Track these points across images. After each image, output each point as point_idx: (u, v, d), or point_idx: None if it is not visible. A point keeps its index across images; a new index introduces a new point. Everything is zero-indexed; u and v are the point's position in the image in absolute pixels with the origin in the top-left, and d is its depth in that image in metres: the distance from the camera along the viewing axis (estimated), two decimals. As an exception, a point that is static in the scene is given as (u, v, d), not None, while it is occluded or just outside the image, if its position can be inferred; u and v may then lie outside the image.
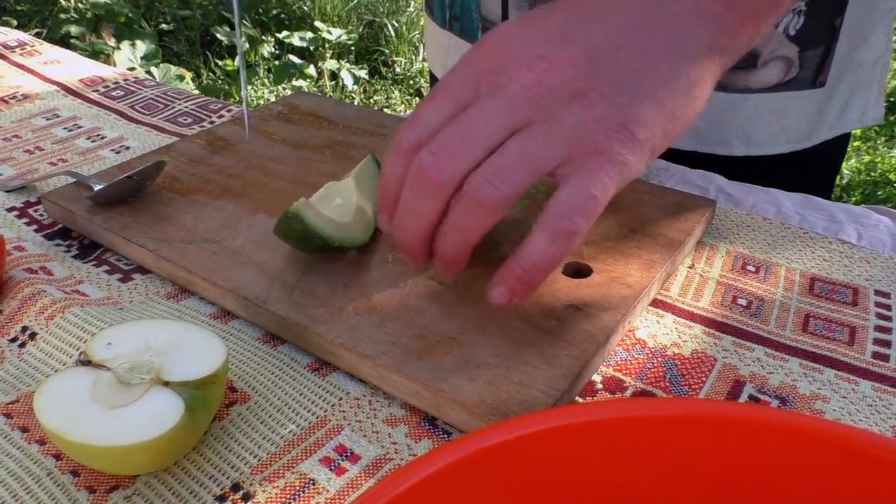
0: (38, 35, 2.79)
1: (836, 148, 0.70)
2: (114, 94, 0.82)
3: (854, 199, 2.31)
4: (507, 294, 0.37)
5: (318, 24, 3.36)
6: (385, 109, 2.95)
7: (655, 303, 0.46)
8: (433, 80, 0.87)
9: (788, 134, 0.64)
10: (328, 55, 3.25)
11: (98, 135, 0.72)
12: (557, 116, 0.35)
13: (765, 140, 0.65)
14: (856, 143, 2.59)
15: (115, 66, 2.43)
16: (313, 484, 0.35)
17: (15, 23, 3.02)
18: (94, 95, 0.81)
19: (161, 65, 2.80)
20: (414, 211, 0.37)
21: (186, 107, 0.77)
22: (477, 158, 0.35)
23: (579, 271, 0.45)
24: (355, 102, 3.01)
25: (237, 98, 2.90)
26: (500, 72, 0.36)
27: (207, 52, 3.22)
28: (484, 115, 0.36)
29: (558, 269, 0.45)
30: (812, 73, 0.61)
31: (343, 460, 0.36)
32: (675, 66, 0.37)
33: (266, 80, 3.05)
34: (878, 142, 2.61)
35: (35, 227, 0.57)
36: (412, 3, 3.53)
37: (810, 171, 0.68)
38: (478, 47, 0.38)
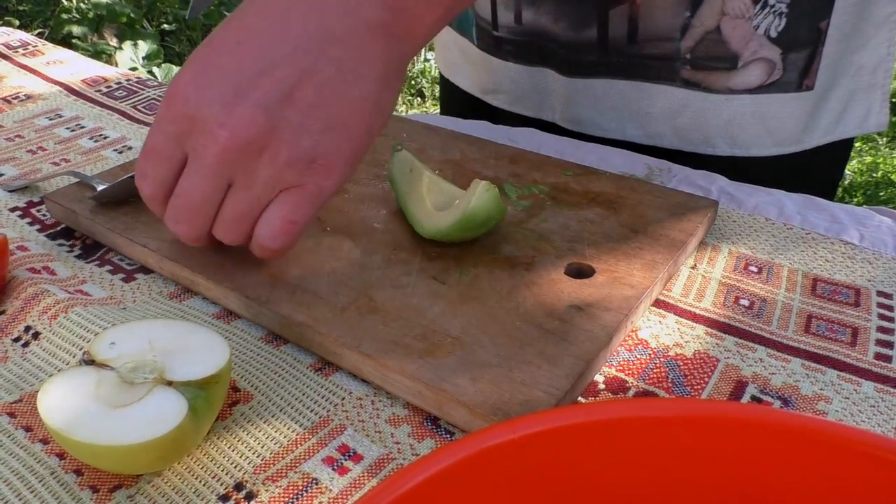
0: (40, 35, 2.80)
1: (837, 154, 0.69)
2: (116, 94, 0.82)
3: (856, 200, 2.31)
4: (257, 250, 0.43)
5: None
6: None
7: (658, 303, 0.46)
8: (441, 76, 0.88)
9: (774, 136, 0.64)
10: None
11: (101, 135, 0.72)
12: (253, 171, 0.39)
13: (749, 142, 0.64)
14: (857, 144, 2.59)
15: (116, 66, 2.44)
16: (316, 483, 0.35)
17: (17, 23, 3.02)
18: (96, 96, 0.81)
19: (163, 65, 2.80)
20: (190, 239, 0.43)
21: (189, 107, 0.77)
22: (210, 217, 0.41)
23: (582, 272, 0.46)
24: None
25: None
26: (193, 138, 0.38)
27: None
28: (196, 185, 0.40)
29: (560, 269, 0.46)
30: (797, 75, 0.61)
31: (346, 460, 0.36)
32: (354, 91, 0.38)
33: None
34: (880, 143, 2.61)
35: (38, 227, 0.57)
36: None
37: (809, 176, 0.67)
38: (167, 106, 0.39)
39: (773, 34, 0.59)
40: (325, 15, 0.38)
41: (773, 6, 0.58)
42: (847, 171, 2.40)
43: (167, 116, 0.39)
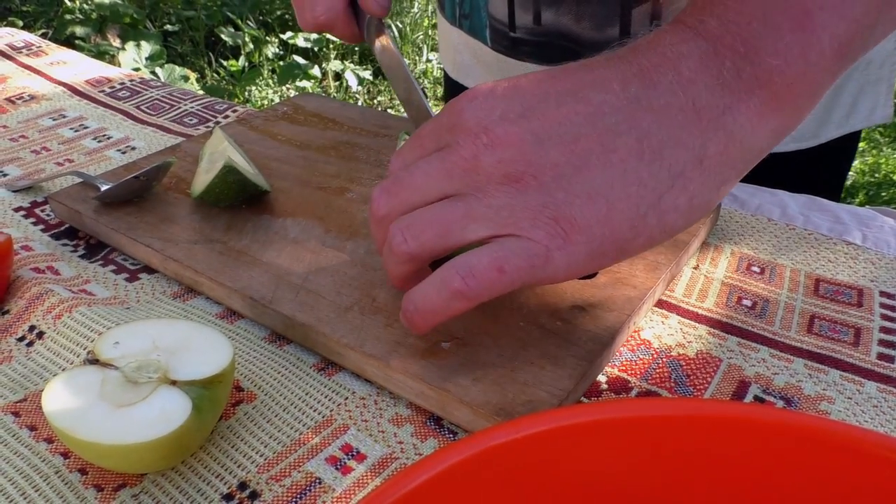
0: (43, 36, 2.80)
1: (845, 147, 0.70)
2: (120, 94, 0.82)
3: (858, 200, 2.31)
4: (404, 321, 0.37)
5: (322, 24, 3.36)
6: (389, 110, 2.95)
7: (660, 303, 0.46)
8: (446, 77, 0.88)
9: (794, 132, 0.64)
10: (332, 56, 3.25)
11: (104, 135, 0.72)
12: (487, 194, 0.33)
13: None
14: (860, 145, 2.58)
15: (119, 66, 2.44)
16: (319, 483, 0.35)
17: (20, 23, 3.03)
18: (100, 96, 0.82)
19: (166, 65, 2.81)
20: (375, 241, 0.39)
21: (192, 107, 0.78)
22: (412, 206, 0.36)
23: (584, 272, 0.46)
24: (359, 103, 3.01)
25: (241, 98, 2.90)
26: (453, 134, 0.35)
27: (211, 53, 3.23)
28: (423, 173, 0.35)
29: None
30: None
31: (349, 459, 0.36)
32: (644, 172, 0.32)
33: (270, 81, 3.06)
34: (883, 143, 2.60)
35: (42, 226, 0.57)
36: (416, 3, 3.53)
37: (819, 170, 0.68)
38: (451, 102, 0.36)
39: None
40: (655, 85, 0.32)
41: None
42: (849, 172, 2.40)
43: (447, 110, 0.36)
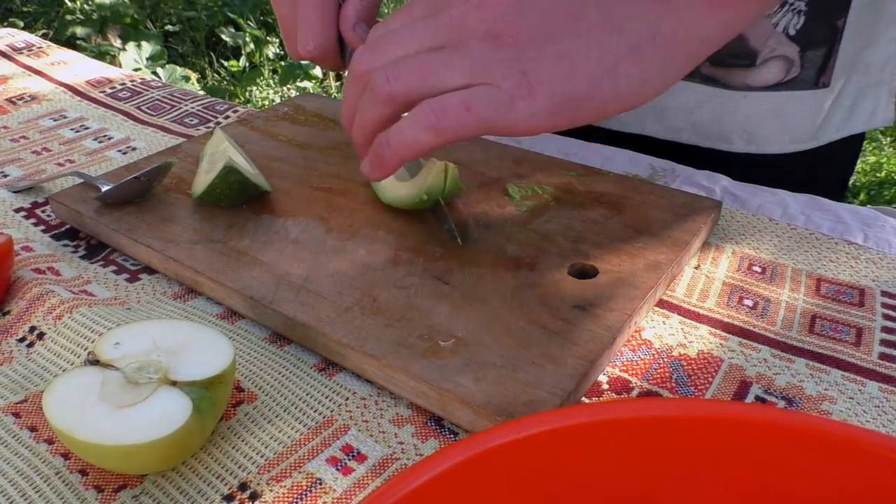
0: (44, 36, 2.80)
1: (847, 150, 0.70)
2: (120, 95, 0.82)
3: (859, 200, 2.30)
4: (366, 165, 0.41)
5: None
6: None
7: (661, 303, 0.46)
8: None
9: (791, 133, 0.64)
10: (333, 56, 3.25)
11: (105, 136, 0.72)
12: (468, 47, 0.37)
13: (766, 138, 0.65)
14: (861, 147, 2.57)
15: (120, 67, 2.44)
16: (320, 483, 0.35)
17: (21, 24, 3.03)
18: (100, 97, 0.82)
19: (167, 66, 2.81)
20: (347, 100, 0.42)
21: (193, 108, 0.78)
22: (399, 49, 0.39)
23: (585, 272, 0.46)
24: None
25: (242, 99, 2.90)
26: (446, 2, 0.38)
27: (212, 53, 3.23)
28: (409, 30, 0.39)
29: (564, 269, 0.46)
30: (814, 73, 0.61)
31: (350, 460, 0.36)
32: (605, 40, 0.36)
33: (271, 82, 3.06)
34: (884, 142, 2.60)
35: (42, 227, 0.57)
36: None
37: (819, 172, 0.68)
38: None
39: (792, 32, 0.59)
40: None
41: (792, 4, 0.58)
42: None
43: None
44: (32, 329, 0.45)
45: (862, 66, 0.63)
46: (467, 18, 0.37)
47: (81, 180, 0.58)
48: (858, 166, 2.44)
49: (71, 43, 2.89)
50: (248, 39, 3.16)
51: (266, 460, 0.36)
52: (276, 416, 0.39)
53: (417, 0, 0.40)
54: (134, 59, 2.78)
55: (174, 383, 0.35)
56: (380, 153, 0.40)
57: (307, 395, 0.40)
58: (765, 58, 0.60)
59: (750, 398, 0.39)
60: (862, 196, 2.32)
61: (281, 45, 3.29)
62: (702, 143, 0.66)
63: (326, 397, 0.40)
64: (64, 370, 0.42)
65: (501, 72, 0.36)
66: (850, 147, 0.70)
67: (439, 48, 0.38)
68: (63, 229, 0.57)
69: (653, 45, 0.36)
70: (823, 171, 0.69)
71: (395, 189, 0.52)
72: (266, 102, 2.92)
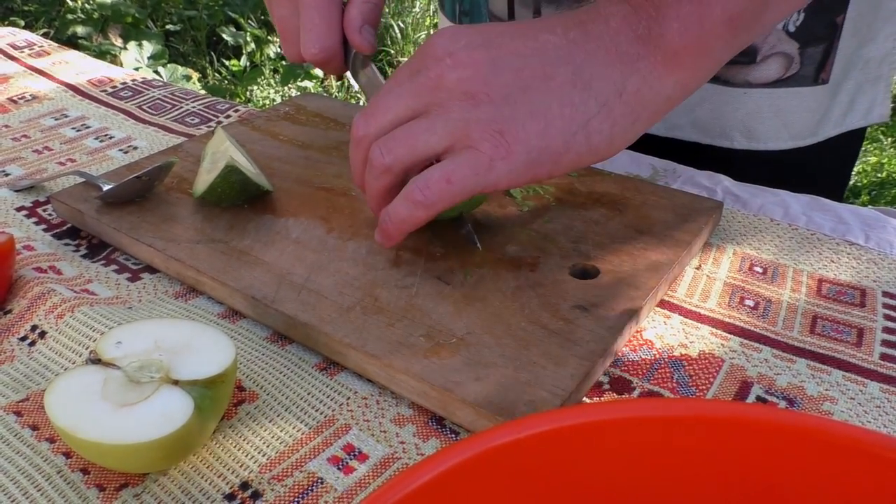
0: (45, 35, 2.80)
1: (847, 146, 0.70)
2: (122, 94, 0.82)
3: (861, 200, 2.30)
4: (379, 237, 0.44)
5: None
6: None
7: (662, 304, 0.46)
8: None
9: (791, 130, 0.65)
10: (334, 55, 3.25)
11: (106, 135, 0.72)
12: (447, 109, 0.39)
13: (766, 135, 0.65)
14: (862, 147, 2.57)
15: (121, 66, 2.44)
16: (321, 483, 0.35)
17: (22, 23, 3.03)
18: (101, 96, 0.82)
19: (168, 65, 2.81)
20: (352, 162, 0.45)
21: (194, 107, 0.78)
22: (384, 129, 0.42)
23: (586, 272, 0.46)
24: (360, 103, 3.01)
25: (243, 98, 2.90)
26: (422, 62, 0.40)
27: (213, 53, 3.23)
28: (395, 96, 0.41)
29: (565, 270, 0.46)
30: (814, 69, 0.62)
31: (351, 459, 0.36)
32: (576, 97, 0.39)
33: (272, 81, 3.06)
34: (885, 143, 2.60)
35: (44, 226, 0.57)
36: (418, 3, 3.53)
37: (820, 168, 0.68)
38: (417, 52, 0.42)
39: (792, 28, 0.59)
40: (588, 32, 0.39)
41: None
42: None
43: (419, 49, 0.41)
44: (34, 328, 0.45)
45: (861, 61, 0.63)
46: (444, 80, 0.39)
47: (83, 179, 0.58)
48: (860, 167, 2.44)
49: (72, 42, 2.89)
50: (248, 39, 3.16)
51: (267, 459, 0.36)
52: (278, 416, 0.39)
53: (405, 63, 0.42)
54: (135, 59, 2.78)
55: (176, 382, 0.35)
56: (385, 228, 0.43)
57: (308, 394, 0.40)
58: (765, 54, 0.61)
59: (751, 398, 0.39)
60: (863, 197, 2.32)
61: (280, 45, 3.29)
62: (702, 141, 0.67)
63: (328, 397, 0.40)
64: (65, 369, 0.42)
65: (479, 133, 0.39)
66: (850, 143, 0.70)
67: (423, 111, 0.40)
68: (64, 228, 0.57)
69: (620, 102, 0.39)
70: (823, 167, 0.69)
71: None
72: (267, 102, 2.92)
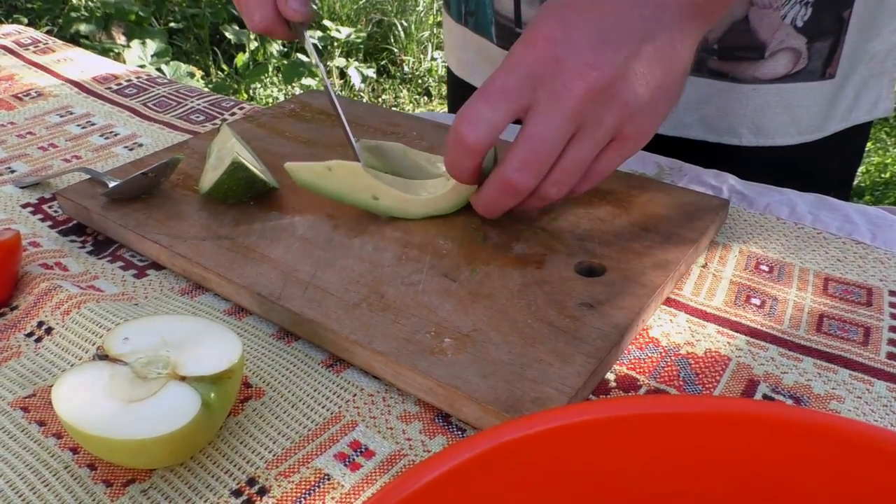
0: (49, 33, 2.80)
1: (852, 141, 0.70)
2: (126, 91, 0.82)
3: (864, 200, 2.30)
4: (495, 208, 0.47)
5: (326, 22, 3.37)
6: (393, 108, 2.95)
7: (669, 302, 0.46)
8: (450, 75, 0.88)
9: (799, 125, 0.65)
10: (337, 54, 3.26)
11: (111, 132, 0.72)
12: (602, 116, 0.41)
13: (774, 130, 0.65)
14: (867, 145, 2.57)
15: (125, 64, 2.44)
16: (328, 479, 0.35)
17: (26, 21, 3.03)
18: (106, 93, 0.82)
19: (172, 62, 2.81)
20: (499, 204, 0.47)
21: (199, 104, 0.78)
22: (550, 164, 0.43)
23: (593, 270, 0.46)
24: (363, 101, 3.01)
25: (246, 96, 2.90)
26: (556, 79, 0.41)
27: (216, 50, 3.23)
28: (552, 127, 0.41)
29: (571, 267, 0.46)
30: (821, 64, 0.62)
31: (358, 456, 0.36)
32: (675, 59, 0.43)
33: (275, 79, 3.06)
34: (889, 143, 2.59)
35: (50, 223, 0.57)
36: (421, 2, 3.53)
37: (826, 164, 0.68)
38: (528, 48, 0.42)
39: (800, 23, 0.59)
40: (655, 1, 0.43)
41: None
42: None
43: (526, 59, 0.41)
44: (40, 324, 0.45)
45: (867, 56, 0.63)
46: (593, 93, 0.41)
47: (88, 176, 0.58)
48: (863, 167, 2.44)
49: (75, 40, 2.89)
50: (252, 37, 3.16)
51: (274, 456, 0.36)
52: (284, 412, 0.39)
53: (502, 78, 0.42)
54: (138, 56, 2.78)
55: (183, 378, 0.35)
56: (528, 204, 0.47)
57: (315, 391, 0.40)
58: (773, 50, 0.61)
59: (758, 397, 0.39)
60: (867, 197, 2.31)
61: (284, 43, 3.29)
62: (709, 139, 0.67)
63: (334, 393, 0.40)
64: (72, 365, 0.42)
65: (629, 125, 0.43)
66: (855, 139, 0.70)
67: (578, 131, 0.42)
68: (70, 225, 0.57)
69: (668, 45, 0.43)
70: (829, 163, 0.69)
71: (432, 203, 0.51)
72: (270, 100, 2.92)
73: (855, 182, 2.35)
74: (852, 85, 0.64)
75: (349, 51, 3.34)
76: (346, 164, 0.51)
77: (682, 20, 0.43)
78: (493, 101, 0.41)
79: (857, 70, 0.64)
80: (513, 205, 0.46)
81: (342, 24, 3.41)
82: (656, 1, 0.43)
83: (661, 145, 0.65)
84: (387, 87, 3.22)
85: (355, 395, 0.40)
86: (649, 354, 0.42)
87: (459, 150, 0.43)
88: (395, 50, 3.38)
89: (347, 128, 0.54)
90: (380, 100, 3.13)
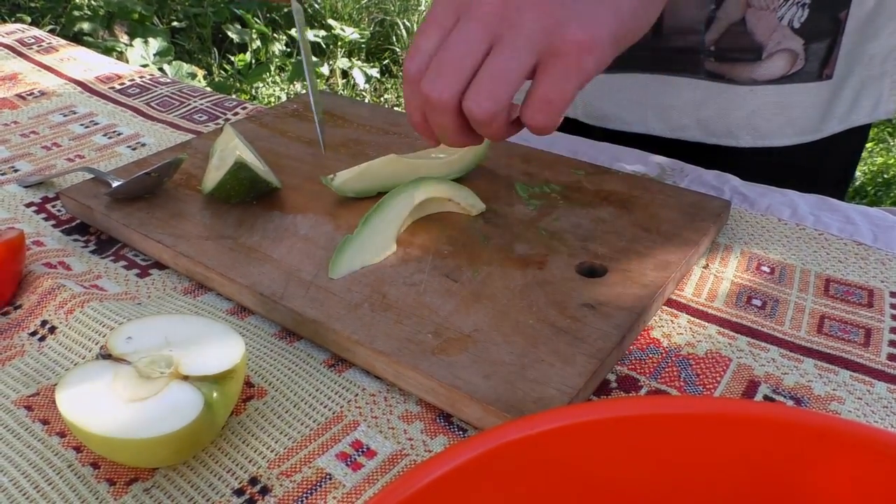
0: (51, 32, 2.81)
1: (850, 142, 0.70)
2: (129, 91, 0.82)
3: (866, 201, 2.30)
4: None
5: (330, 22, 3.37)
6: (395, 108, 2.95)
7: (670, 302, 0.46)
8: None
9: (795, 126, 0.65)
10: (339, 53, 3.26)
11: (114, 131, 0.72)
12: (520, 26, 0.39)
13: (771, 132, 0.65)
14: (868, 145, 2.57)
15: (127, 63, 2.44)
16: (330, 479, 0.35)
17: (28, 19, 3.04)
18: (109, 92, 0.82)
19: (174, 62, 2.81)
20: (438, 124, 0.43)
21: (201, 104, 0.78)
22: (466, 77, 0.40)
23: (594, 271, 0.46)
24: (366, 101, 3.01)
25: (248, 95, 2.90)
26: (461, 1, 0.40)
27: (218, 50, 3.23)
28: (463, 38, 0.40)
29: (573, 268, 0.46)
30: (818, 65, 0.62)
31: (359, 455, 0.36)
32: None
33: (278, 79, 3.06)
34: (892, 143, 2.59)
35: (53, 222, 0.57)
36: (423, 1, 3.53)
37: (824, 165, 0.68)
38: None
39: (797, 25, 0.59)
40: None
41: None
42: (857, 173, 2.39)
43: (443, 3, 0.41)
44: (44, 323, 0.45)
45: (865, 58, 0.63)
46: (502, 2, 0.39)
47: (92, 175, 0.58)
48: (865, 168, 2.43)
49: (78, 38, 2.89)
50: (254, 36, 3.16)
51: (276, 455, 0.36)
52: (286, 412, 0.39)
53: (434, 8, 0.41)
54: (141, 55, 2.78)
55: (185, 378, 0.35)
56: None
57: (317, 390, 0.40)
58: (770, 51, 0.61)
59: (758, 398, 0.39)
60: (870, 198, 2.31)
61: (286, 43, 3.30)
62: (707, 140, 0.67)
63: (336, 393, 0.40)
64: (75, 364, 0.42)
65: (559, 38, 0.38)
66: (854, 139, 0.70)
67: (495, 41, 0.39)
68: (73, 224, 0.57)
69: None
70: (828, 163, 0.69)
71: (444, 165, 0.56)
72: (272, 99, 2.92)
73: (857, 182, 2.35)
74: (850, 86, 0.64)
75: (351, 50, 3.34)
76: (375, 162, 0.54)
77: None
78: (426, 32, 0.41)
79: (855, 71, 0.64)
80: (454, 128, 0.42)
81: (345, 24, 3.41)
82: None
83: (659, 147, 0.65)
84: (389, 86, 3.22)
85: (357, 394, 0.40)
86: (650, 355, 0.42)
87: (406, 87, 0.43)
88: (398, 49, 3.38)
89: (316, 117, 0.58)
90: (382, 99, 3.13)
